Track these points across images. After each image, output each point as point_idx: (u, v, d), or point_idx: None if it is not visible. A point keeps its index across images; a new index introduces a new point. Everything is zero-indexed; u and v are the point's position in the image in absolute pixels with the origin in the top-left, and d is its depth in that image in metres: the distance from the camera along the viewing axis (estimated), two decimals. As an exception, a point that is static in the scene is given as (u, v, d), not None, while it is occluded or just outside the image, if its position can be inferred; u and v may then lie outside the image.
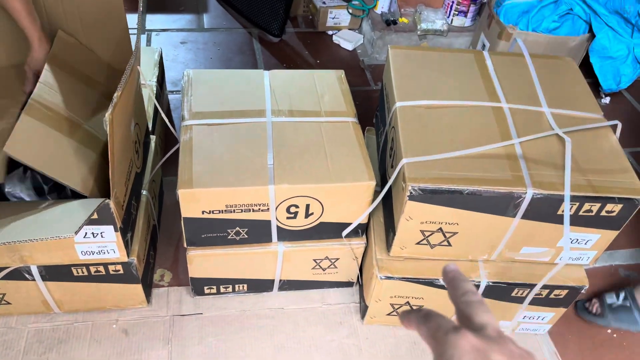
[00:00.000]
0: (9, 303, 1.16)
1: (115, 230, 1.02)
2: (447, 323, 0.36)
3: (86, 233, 1.02)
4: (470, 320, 0.36)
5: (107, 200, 0.95)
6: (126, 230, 1.08)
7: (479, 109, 1.14)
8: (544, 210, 1.01)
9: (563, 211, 1.00)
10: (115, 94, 0.90)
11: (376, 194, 1.10)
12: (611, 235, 1.06)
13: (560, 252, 1.11)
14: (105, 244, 1.04)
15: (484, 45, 1.99)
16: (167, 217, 1.47)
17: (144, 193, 1.24)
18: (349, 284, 1.33)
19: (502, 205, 1.00)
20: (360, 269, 1.28)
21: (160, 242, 1.41)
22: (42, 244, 1.02)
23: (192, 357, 1.19)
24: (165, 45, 2.11)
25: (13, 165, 1.06)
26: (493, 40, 1.90)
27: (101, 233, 1.02)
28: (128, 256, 1.09)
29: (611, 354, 1.30)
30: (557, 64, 1.29)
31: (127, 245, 1.08)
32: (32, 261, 1.06)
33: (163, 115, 1.16)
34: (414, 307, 1.20)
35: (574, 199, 0.98)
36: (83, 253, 1.05)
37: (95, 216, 0.97)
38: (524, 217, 1.02)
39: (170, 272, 1.34)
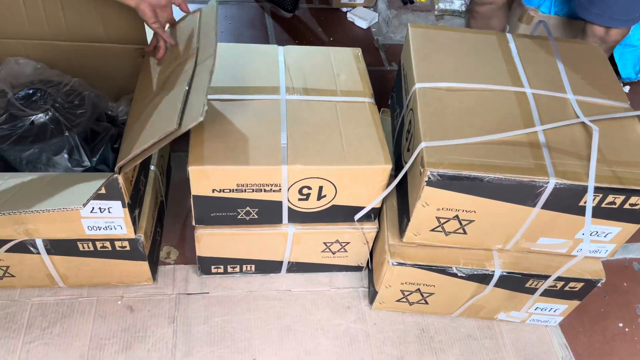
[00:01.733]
0: (12, 276, 1.15)
1: (123, 206, 0.99)
2: None
3: (93, 208, 0.99)
4: None
5: (116, 175, 0.92)
6: (134, 206, 1.05)
7: (501, 93, 1.09)
8: (566, 200, 0.97)
9: (585, 202, 0.97)
10: None
11: (391, 177, 1.07)
12: (632, 228, 1.03)
13: (578, 244, 1.07)
14: (113, 220, 1.02)
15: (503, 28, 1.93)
16: (175, 193, 1.44)
17: (152, 168, 1.21)
18: (358, 269, 1.31)
19: (523, 194, 0.97)
20: (370, 254, 1.25)
21: (167, 218, 1.38)
22: (48, 216, 0.99)
23: (197, 337, 1.17)
24: (175, 17, 2.05)
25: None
26: (513, 23, 1.85)
27: (108, 208, 0.99)
28: (135, 233, 1.07)
29: (622, 348, 1.28)
30: (583, 49, 1.24)
31: (135, 221, 1.06)
32: (37, 234, 1.03)
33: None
34: (425, 295, 1.19)
35: (597, 190, 0.95)
36: (89, 228, 1.03)
37: (103, 191, 0.94)
38: (544, 207, 0.99)
39: (176, 250, 1.32)
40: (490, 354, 1.22)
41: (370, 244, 1.21)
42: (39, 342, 1.12)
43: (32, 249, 1.06)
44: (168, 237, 1.35)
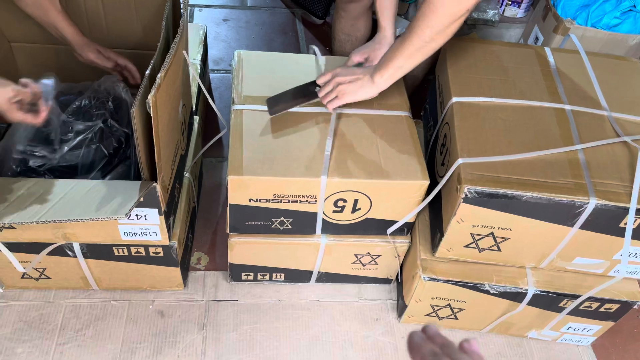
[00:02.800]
0: (48, 277, 1.17)
1: (160, 213, 1.00)
2: None
3: (130, 215, 1.00)
4: None
5: (155, 184, 0.94)
6: (169, 213, 1.06)
7: (539, 109, 1.08)
8: (605, 221, 0.96)
9: (626, 224, 0.95)
10: (158, 75, 0.87)
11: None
12: (673, 251, 1.01)
13: (615, 264, 1.05)
14: (148, 227, 1.03)
15: (536, 39, 1.90)
16: (206, 198, 1.45)
17: (186, 175, 1.22)
18: (386, 281, 1.30)
19: (561, 214, 0.95)
20: (400, 267, 1.25)
21: (198, 224, 1.39)
22: (87, 222, 1.00)
23: (226, 344, 1.18)
24: (207, 22, 2.08)
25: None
26: (548, 34, 1.82)
27: (145, 215, 1.01)
28: (169, 240, 1.08)
29: (656, 371, 1.25)
30: (623, 65, 1.22)
31: (169, 228, 1.07)
32: (75, 239, 1.05)
33: (209, 98, 1.13)
34: (455, 310, 1.18)
35: (639, 212, 0.93)
36: (125, 234, 1.04)
37: (141, 199, 0.96)
38: (583, 227, 0.97)
39: (207, 256, 1.33)
40: (520, 372, 1.21)
41: (402, 258, 1.21)
42: (72, 344, 1.14)
43: (69, 252, 1.08)
44: (199, 242, 1.36)
